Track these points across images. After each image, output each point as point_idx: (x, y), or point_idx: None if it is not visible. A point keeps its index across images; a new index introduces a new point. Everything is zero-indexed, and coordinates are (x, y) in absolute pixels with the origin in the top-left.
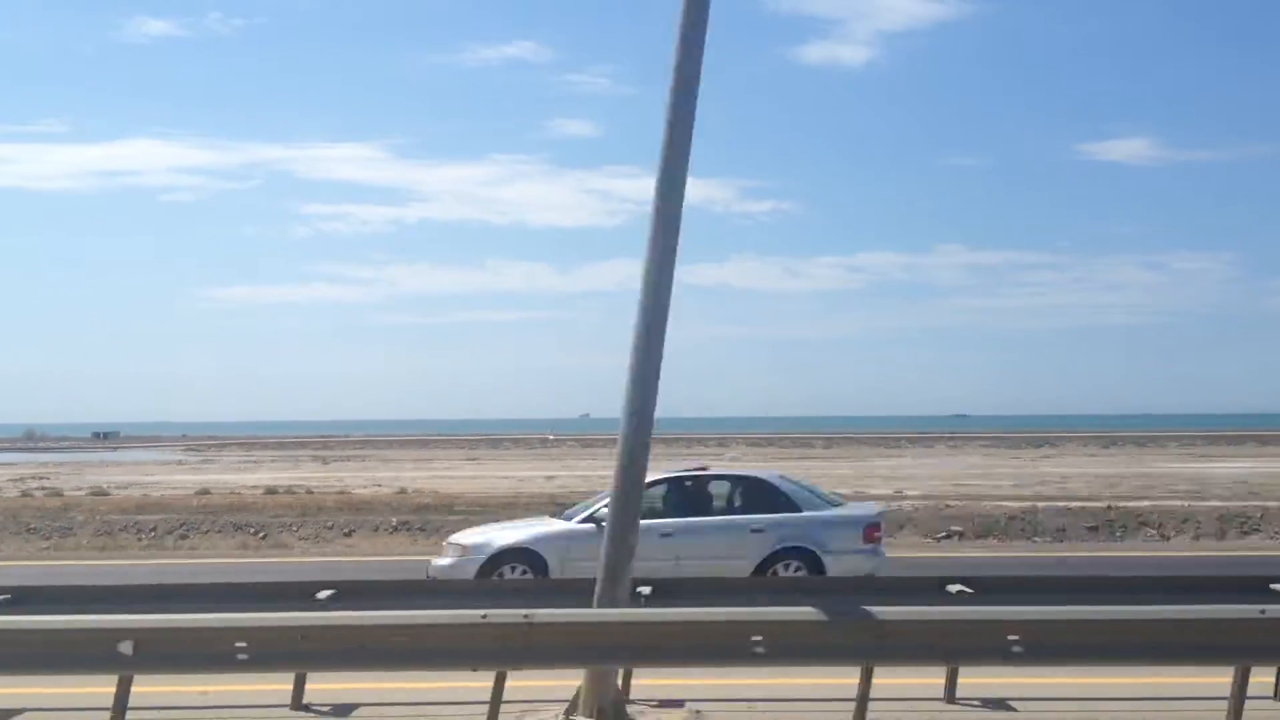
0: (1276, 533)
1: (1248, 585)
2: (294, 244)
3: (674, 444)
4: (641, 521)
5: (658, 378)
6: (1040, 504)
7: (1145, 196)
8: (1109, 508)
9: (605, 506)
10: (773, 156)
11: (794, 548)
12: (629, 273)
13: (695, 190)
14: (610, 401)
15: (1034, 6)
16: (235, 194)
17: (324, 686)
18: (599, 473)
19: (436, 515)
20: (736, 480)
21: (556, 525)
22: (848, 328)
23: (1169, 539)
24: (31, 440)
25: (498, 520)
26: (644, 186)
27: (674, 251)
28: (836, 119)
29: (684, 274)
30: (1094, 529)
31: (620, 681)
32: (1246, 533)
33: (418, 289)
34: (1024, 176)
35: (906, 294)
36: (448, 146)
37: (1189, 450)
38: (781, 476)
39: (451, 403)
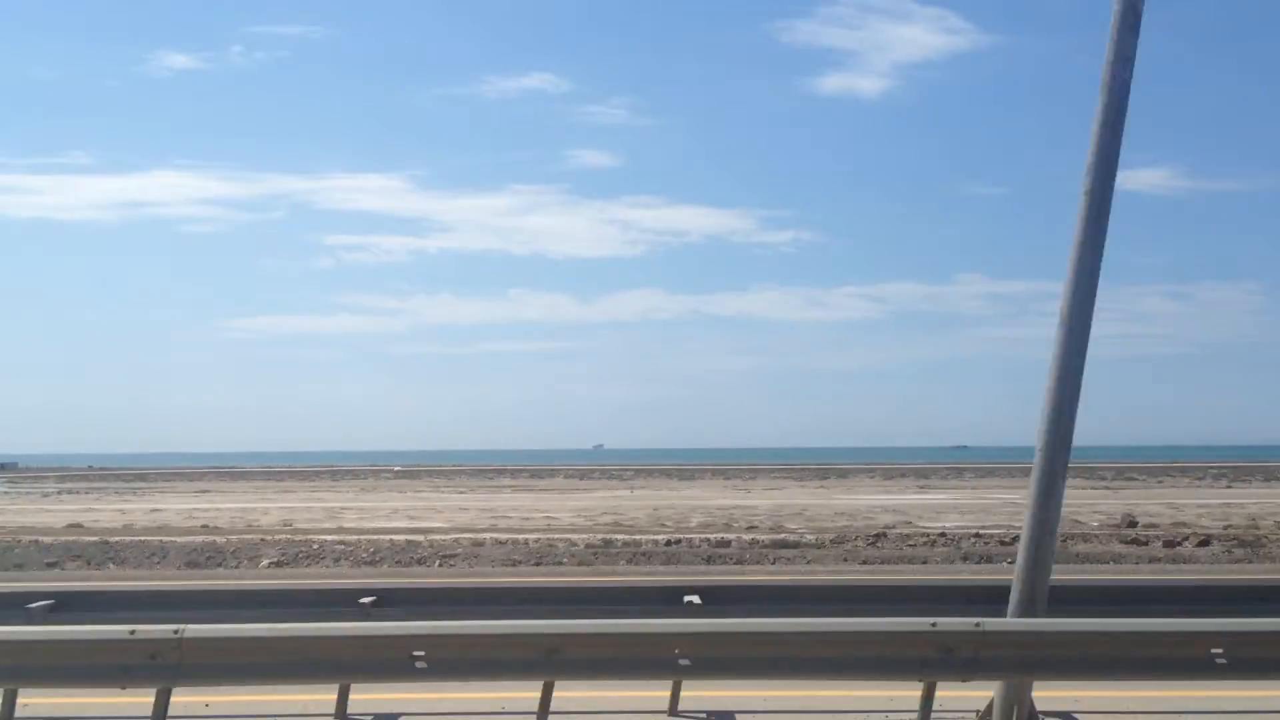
0: (319, 563)
1: None
2: (317, 274)
3: (492, 476)
4: None
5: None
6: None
7: (1168, 226)
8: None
9: None
10: (792, 187)
11: None
12: (649, 303)
13: (715, 220)
14: (624, 432)
15: (1049, 37)
16: (258, 225)
17: None
18: (270, 504)
19: None
20: None
21: None
22: (870, 358)
23: (238, 566)
24: None
25: None
26: (663, 216)
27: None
28: (855, 149)
29: (703, 304)
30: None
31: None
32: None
33: (440, 319)
34: (1043, 206)
35: (928, 324)
36: (468, 177)
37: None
38: None
39: (472, 432)
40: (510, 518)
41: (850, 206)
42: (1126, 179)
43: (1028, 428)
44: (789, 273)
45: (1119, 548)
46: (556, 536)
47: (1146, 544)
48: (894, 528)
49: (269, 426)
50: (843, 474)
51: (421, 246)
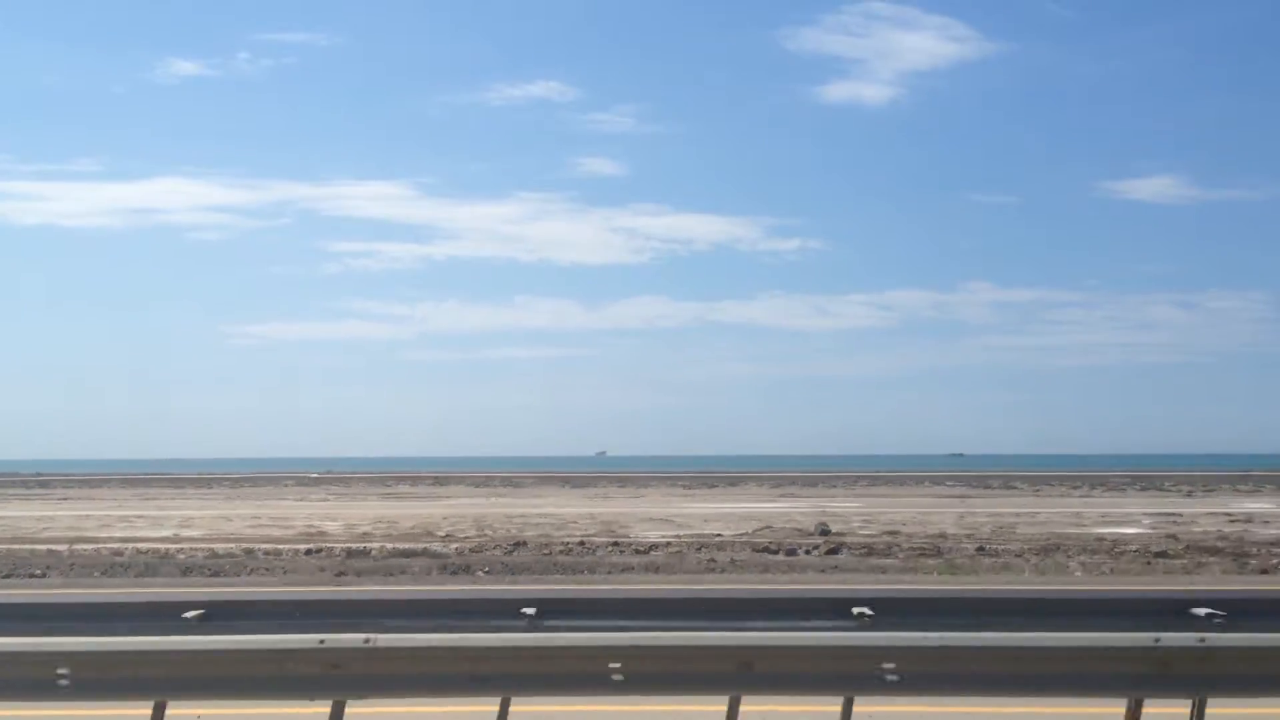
0: None
1: None
2: (325, 281)
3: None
4: None
5: None
6: None
7: (1174, 235)
8: None
9: None
10: (799, 195)
11: None
12: (656, 310)
13: (721, 228)
14: (631, 438)
15: (1056, 46)
16: (265, 232)
17: None
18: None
19: None
20: None
21: None
22: (876, 366)
23: None
24: None
25: None
26: (670, 224)
27: None
28: (861, 157)
29: (709, 311)
30: None
31: None
32: None
33: (448, 326)
34: (1050, 214)
35: (935, 332)
36: (475, 185)
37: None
38: None
39: (479, 438)
40: (269, 527)
41: (857, 215)
42: (1131, 187)
43: (1026, 435)
44: (795, 281)
45: (741, 555)
46: (200, 546)
47: (777, 553)
48: (594, 537)
49: (276, 432)
50: (733, 482)
51: (428, 253)
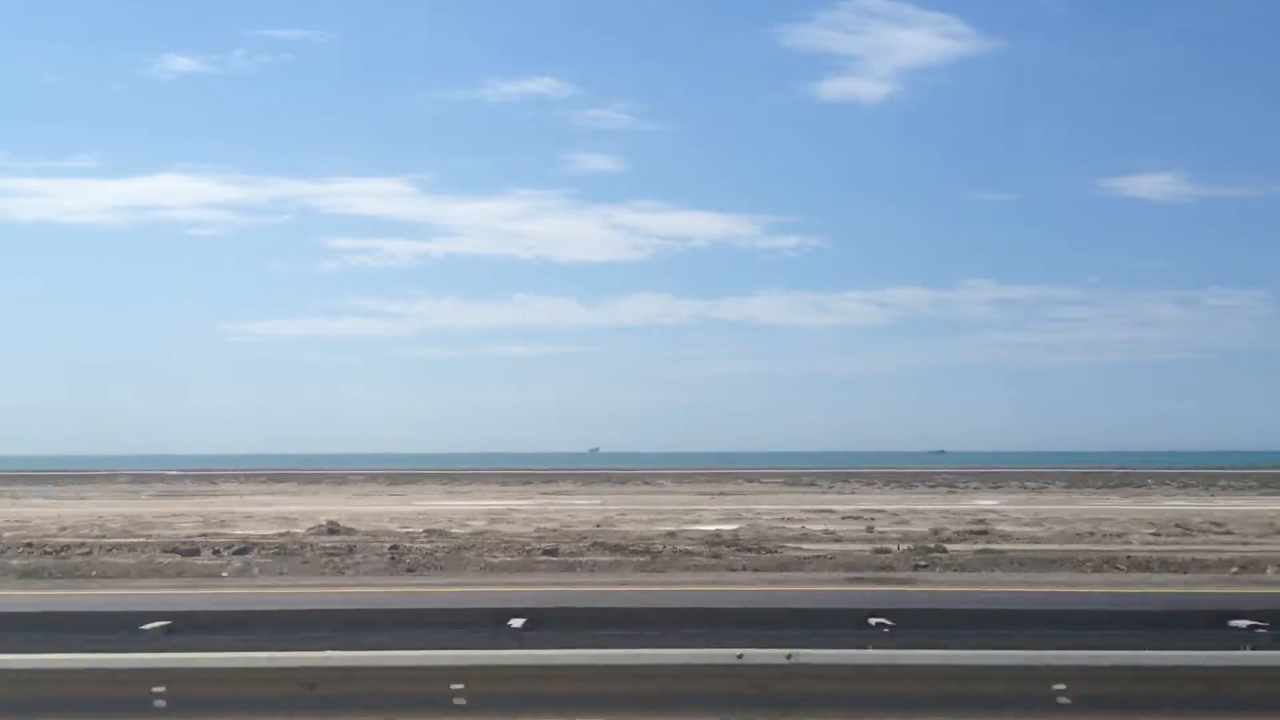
0: None
1: None
2: (323, 278)
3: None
4: None
5: None
6: None
7: (1174, 232)
8: None
9: None
10: (797, 192)
11: None
12: (655, 307)
13: (719, 225)
14: (625, 435)
15: (1055, 43)
16: (264, 228)
17: None
18: None
19: None
20: None
21: None
22: (873, 363)
23: None
24: None
25: None
26: (667, 221)
27: None
28: (859, 154)
29: (708, 308)
30: None
31: None
32: None
33: (446, 323)
34: (1050, 212)
35: (934, 329)
36: (472, 182)
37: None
38: None
39: (479, 435)
40: None
41: (855, 212)
42: (1131, 184)
43: (1029, 433)
44: (794, 278)
45: (143, 555)
46: None
47: (180, 554)
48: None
49: (276, 428)
50: (549, 479)
51: (426, 250)
